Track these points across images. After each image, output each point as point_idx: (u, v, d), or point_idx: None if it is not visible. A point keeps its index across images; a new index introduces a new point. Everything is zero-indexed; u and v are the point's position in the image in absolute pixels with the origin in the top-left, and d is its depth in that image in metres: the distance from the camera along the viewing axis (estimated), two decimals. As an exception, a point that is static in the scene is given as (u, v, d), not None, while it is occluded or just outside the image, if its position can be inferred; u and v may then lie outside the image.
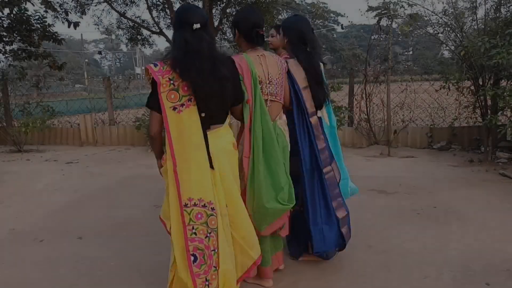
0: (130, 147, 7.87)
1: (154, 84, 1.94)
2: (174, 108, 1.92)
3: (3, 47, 8.39)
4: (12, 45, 8.51)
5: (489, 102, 5.66)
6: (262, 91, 2.35)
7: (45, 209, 4.10)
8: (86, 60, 50.90)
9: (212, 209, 1.94)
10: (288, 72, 2.54)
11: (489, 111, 5.58)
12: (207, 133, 2.01)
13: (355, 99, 7.35)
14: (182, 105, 1.93)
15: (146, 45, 13.89)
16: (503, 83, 5.59)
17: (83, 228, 3.51)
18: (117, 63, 69.09)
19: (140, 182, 5.11)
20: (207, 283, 1.92)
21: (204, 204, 1.93)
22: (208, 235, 1.93)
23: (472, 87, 5.85)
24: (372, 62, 7.27)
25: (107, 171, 5.79)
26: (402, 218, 3.54)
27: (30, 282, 2.59)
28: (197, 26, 1.94)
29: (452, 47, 6.29)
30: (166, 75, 1.91)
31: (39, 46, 8.40)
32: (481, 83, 5.62)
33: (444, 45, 6.65)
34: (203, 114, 1.98)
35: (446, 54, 8.58)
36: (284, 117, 2.52)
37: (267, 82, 2.38)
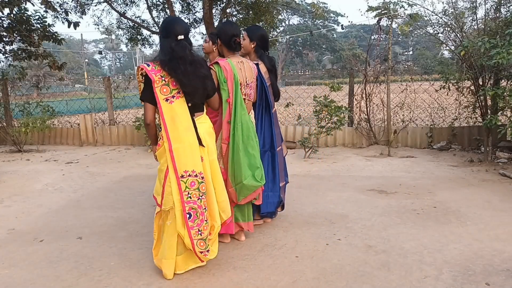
0: (130, 147, 7.87)
1: (147, 80, 2.41)
2: (167, 100, 2.41)
3: (3, 47, 8.40)
4: (12, 45, 8.51)
5: (489, 102, 5.66)
6: (241, 92, 2.90)
7: (45, 209, 4.10)
8: (86, 60, 50.92)
9: (202, 177, 2.50)
10: (259, 73, 3.12)
11: (489, 111, 5.58)
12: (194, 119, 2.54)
13: (355, 99, 7.35)
14: (173, 96, 2.43)
15: (146, 45, 13.91)
16: (503, 83, 5.60)
17: (83, 228, 3.51)
18: (117, 63, 69.12)
19: (140, 182, 5.11)
20: (199, 232, 2.49)
21: (196, 174, 2.47)
22: (200, 197, 2.49)
23: (472, 87, 5.85)
24: (372, 62, 7.27)
25: (107, 171, 5.79)
26: (402, 218, 3.54)
27: (30, 282, 2.58)
28: (181, 37, 2.44)
29: (452, 47, 6.29)
30: (158, 73, 2.40)
31: (39, 46, 8.40)
32: (481, 83, 5.62)
33: (444, 45, 6.65)
34: (189, 104, 2.50)
35: (446, 54, 8.59)
36: (253, 112, 3.12)
37: (245, 85, 2.93)
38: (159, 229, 2.60)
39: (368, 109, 7.11)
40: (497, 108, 5.44)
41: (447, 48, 6.67)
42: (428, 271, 2.57)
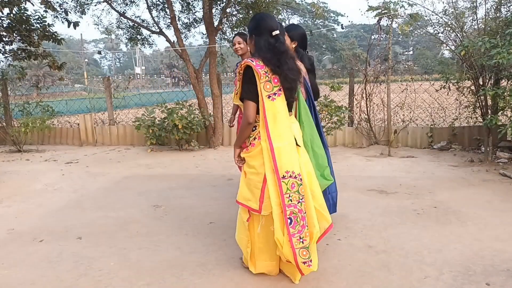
0: (130, 147, 7.86)
1: (249, 77, 2.32)
2: (269, 97, 2.32)
3: (3, 47, 8.38)
4: (12, 45, 8.50)
5: (489, 102, 5.66)
6: None
7: (45, 209, 4.10)
8: (86, 60, 50.96)
9: (301, 179, 2.36)
10: None
11: (489, 111, 5.58)
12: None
13: (355, 99, 7.35)
14: (275, 94, 2.34)
15: (146, 45, 13.88)
16: (503, 83, 5.59)
17: (83, 228, 3.51)
18: (117, 63, 69.18)
19: (140, 182, 5.10)
20: (301, 240, 2.33)
21: (295, 176, 2.34)
22: (300, 200, 2.35)
23: (472, 87, 5.84)
24: (372, 62, 7.26)
25: (107, 171, 5.79)
26: (402, 218, 3.54)
27: (30, 282, 2.58)
28: (276, 32, 2.36)
29: (452, 47, 6.28)
30: (262, 68, 2.31)
31: (38, 46, 8.39)
32: (481, 83, 5.61)
33: (444, 45, 6.65)
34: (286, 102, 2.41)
35: (446, 54, 8.59)
36: None
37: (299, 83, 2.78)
38: (253, 238, 2.48)
39: (368, 109, 7.11)
40: (498, 108, 5.44)
41: (447, 48, 6.66)
42: (429, 271, 2.56)
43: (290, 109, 2.48)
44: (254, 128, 2.39)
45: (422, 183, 4.66)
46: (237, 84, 2.42)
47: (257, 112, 2.35)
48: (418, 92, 7.16)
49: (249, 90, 2.33)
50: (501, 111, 5.48)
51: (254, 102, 2.32)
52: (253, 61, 2.31)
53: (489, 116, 5.24)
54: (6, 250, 3.09)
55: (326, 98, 6.27)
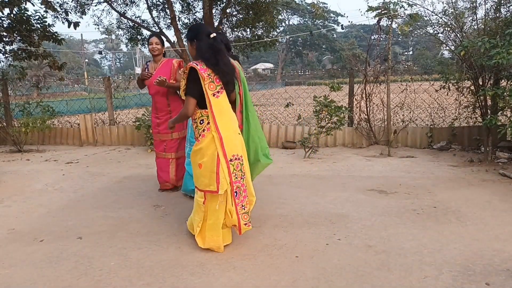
0: (130, 147, 7.87)
1: (194, 77, 2.74)
2: (214, 95, 2.76)
3: (3, 47, 8.40)
4: (12, 45, 8.51)
5: (489, 102, 5.66)
6: None
7: (45, 209, 4.10)
8: (86, 60, 50.94)
9: (242, 160, 2.89)
10: None
11: (489, 111, 5.58)
12: None
13: (355, 99, 7.35)
14: (218, 92, 2.79)
15: (146, 45, 13.88)
16: (503, 83, 5.60)
17: (83, 228, 3.51)
18: (117, 63, 69.18)
19: (140, 182, 5.11)
20: (243, 207, 2.92)
21: (238, 157, 2.84)
22: (242, 177, 2.89)
23: (472, 87, 5.85)
24: (372, 62, 7.27)
25: (107, 171, 5.79)
26: (402, 218, 3.54)
27: (31, 282, 2.59)
28: (213, 35, 2.80)
29: (452, 47, 6.28)
30: (206, 71, 2.73)
31: (39, 46, 8.40)
32: (481, 83, 5.62)
33: (444, 45, 6.65)
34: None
35: (446, 54, 8.59)
36: None
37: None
38: (206, 216, 2.91)
39: (368, 109, 7.11)
40: (497, 108, 5.44)
41: (447, 48, 6.67)
42: (428, 271, 2.57)
43: (230, 103, 2.89)
44: (201, 122, 2.82)
45: (422, 183, 4.67)
46: (182, 81, 2.84)
47: (205, 107, 2.78)
48: (418, 92, 7.16)
49: (192, 88, 2.77)
50: (501, 111, 5.49)
51: (195, 98, 2.77)
52: (197, 65, 2.72)
53: (488, 116, 5.25)
54: (6, 250, 3.10)
55: (326, 98, 6.27)
